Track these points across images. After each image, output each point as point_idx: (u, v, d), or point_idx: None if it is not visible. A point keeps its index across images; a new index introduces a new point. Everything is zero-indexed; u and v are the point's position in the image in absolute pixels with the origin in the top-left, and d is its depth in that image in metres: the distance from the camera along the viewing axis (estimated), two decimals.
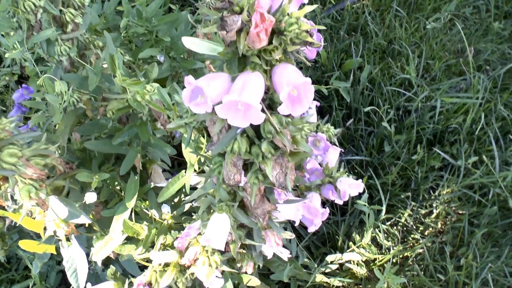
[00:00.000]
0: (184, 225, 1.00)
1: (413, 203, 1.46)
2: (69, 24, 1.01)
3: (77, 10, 1.05)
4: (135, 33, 1.29)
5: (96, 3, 1.37)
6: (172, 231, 1.01)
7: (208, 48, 0.58)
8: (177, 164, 1.54)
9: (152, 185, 0.99)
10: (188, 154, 0.85)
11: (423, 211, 1.47)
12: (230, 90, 0.53)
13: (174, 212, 1.01)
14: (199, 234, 0.90)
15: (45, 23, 1.02)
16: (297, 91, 0.53)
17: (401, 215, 1.43)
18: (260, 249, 0.94)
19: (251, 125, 0.55)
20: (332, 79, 1.72)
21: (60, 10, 1.01)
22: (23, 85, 1.27)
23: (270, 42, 0.53)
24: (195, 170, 0.85)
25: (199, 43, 0.57)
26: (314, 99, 1.70)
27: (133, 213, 0.97)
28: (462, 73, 1.82)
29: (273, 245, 0.95)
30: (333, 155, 1.16)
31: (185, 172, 0.84)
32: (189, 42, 0.57)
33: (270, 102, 0.63)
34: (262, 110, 0.62)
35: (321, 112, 1.70)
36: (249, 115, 0.52)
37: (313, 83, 1.92)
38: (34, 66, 1.13)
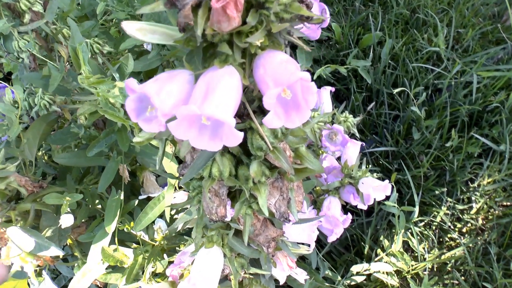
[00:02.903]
0: (177, 248, 0.84)
1: (449, 200, 1.26)
2: (26, 13, 0.85)
3: None
4: (115, 19, 1.12)
5: None
6: (165, 255, 0.86)
7: (161, 36, 0.40)
8: (179, 162, 1.37)
9: (137, 202, 0.83)
10: (169, 165, 0.69)
11: (460, 207, 1.27)
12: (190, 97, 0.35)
13: (166, 232, 0.85)
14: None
15: None
16: (291, 93, 0.35)
17: (436, 213, 1.24)
18: (269, 275, 0.78)
19: None
20: (350, 57, 1.51)
21: None
22: (0, 84, 1.13)
23: (245, 21, 0.35)
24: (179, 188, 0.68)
25: (147, 28, 0.39)
26: (329, 82, 1.49)
27: (116, 235, 0.81)
28: (500, 41, 1.57)
29: (285, 269, 0.79)
30: (353, 150, 0.98)
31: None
32: (132, 29, 0.39)
33: (259, 103, 0.45)
34: (248, 117, 0.44)
35: (337, 96, 1.49)
36: (220, 134, 0.35)
37: (327, 63, 1.64)
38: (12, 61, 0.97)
